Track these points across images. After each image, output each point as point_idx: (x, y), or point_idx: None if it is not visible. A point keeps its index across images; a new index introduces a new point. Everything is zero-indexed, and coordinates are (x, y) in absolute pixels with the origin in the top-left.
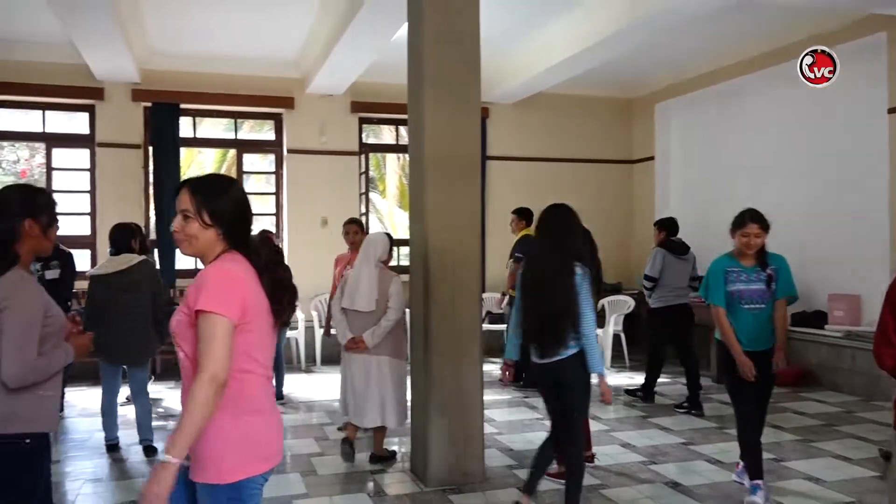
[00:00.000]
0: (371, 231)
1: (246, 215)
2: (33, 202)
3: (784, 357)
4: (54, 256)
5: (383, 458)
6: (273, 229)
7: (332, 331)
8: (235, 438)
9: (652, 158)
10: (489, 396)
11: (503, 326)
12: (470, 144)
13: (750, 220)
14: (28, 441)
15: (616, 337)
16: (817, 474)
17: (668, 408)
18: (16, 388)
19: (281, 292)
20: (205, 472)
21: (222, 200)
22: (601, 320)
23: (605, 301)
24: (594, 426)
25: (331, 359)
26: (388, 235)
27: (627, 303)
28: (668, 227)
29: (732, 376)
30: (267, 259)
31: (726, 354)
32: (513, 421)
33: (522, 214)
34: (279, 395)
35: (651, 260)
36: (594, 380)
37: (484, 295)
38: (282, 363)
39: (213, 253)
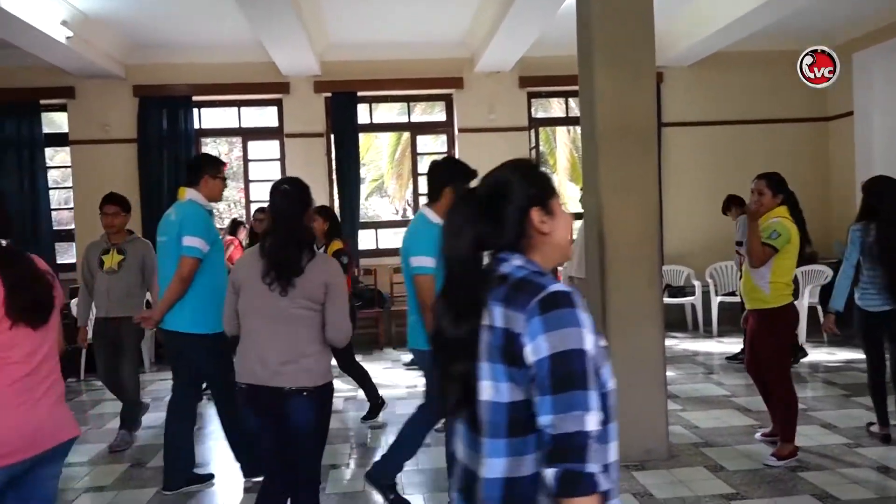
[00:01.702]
0: None
1: None
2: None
3: None
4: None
5: None
6: None
7: None
8: None
9: (850, 114)
10: (672, 372)
11: (685, 300)
12: (645, 114)
13: None
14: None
15: (812, 309)
16: None
17: None
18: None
19: (20, 289)
20: None
21: None
22: (795, 291)
23: (798, 271)
24: None
25: None
26: None
27: (825, 273)
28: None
29: None
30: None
31: None
32: (698, 398)
33: None
34: None
35: None
36: None
37: (664, 267)
38: None
39: None
